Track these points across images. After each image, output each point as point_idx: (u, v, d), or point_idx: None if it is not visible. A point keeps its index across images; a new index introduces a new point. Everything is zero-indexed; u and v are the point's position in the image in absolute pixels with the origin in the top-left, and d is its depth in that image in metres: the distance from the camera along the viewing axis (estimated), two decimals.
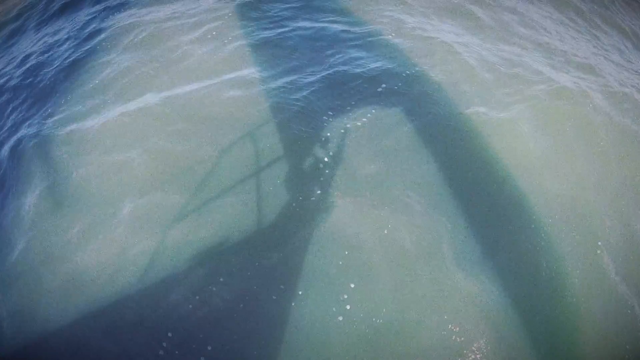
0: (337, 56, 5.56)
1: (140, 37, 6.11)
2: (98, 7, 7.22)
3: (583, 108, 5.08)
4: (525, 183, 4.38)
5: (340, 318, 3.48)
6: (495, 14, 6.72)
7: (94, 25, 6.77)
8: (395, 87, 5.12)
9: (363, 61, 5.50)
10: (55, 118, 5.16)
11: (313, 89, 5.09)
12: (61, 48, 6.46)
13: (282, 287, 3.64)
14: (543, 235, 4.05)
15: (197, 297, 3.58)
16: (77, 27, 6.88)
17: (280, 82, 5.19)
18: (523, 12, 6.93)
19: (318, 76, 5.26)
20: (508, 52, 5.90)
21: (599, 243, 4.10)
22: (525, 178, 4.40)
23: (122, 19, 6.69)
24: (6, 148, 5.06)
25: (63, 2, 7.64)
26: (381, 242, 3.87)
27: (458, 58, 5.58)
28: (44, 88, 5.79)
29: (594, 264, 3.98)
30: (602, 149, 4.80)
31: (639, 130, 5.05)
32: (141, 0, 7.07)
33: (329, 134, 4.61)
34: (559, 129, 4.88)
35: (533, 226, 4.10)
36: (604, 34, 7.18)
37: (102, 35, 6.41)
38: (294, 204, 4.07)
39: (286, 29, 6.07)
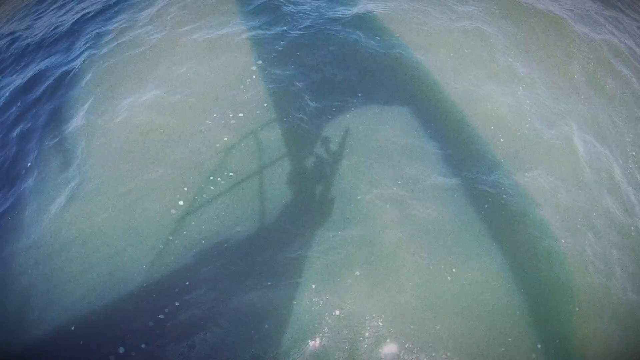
0: (336, 54, 5.50)
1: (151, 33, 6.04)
2: None
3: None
4: None
5: (338, 312, 3.51)
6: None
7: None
8: (397, 85, 5.13)
9: (365, 58, 5.46)
10: (64, 107, 5.18)
11: (316, 86, 5.05)
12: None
13: (281, 284, 3.65)
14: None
15: (199, 295, 3.61)
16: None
17: (282, 78, 5.13)
18: None
19: (321, 74, 5.22)
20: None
21: None
22: None
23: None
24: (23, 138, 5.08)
25: None
26: (380, 240, 3.88)
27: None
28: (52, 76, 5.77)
29: None
30: None
31: None
32: None
33: (330, 132, 4.60)
34: None
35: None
36: None
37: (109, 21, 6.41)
38: (294, 202, 4.08)
39: (290, 25, 5.98)
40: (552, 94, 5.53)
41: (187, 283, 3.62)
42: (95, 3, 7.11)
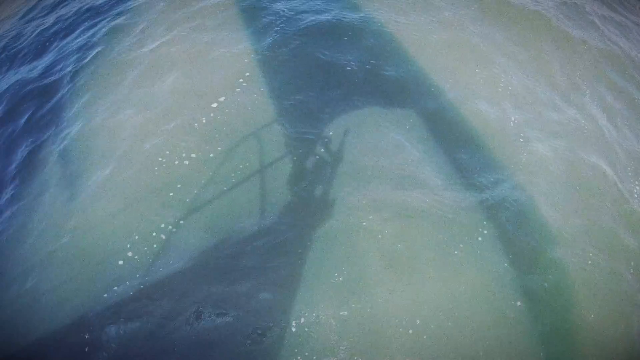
0: (337, 54, 5.48)
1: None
2: None
3: None
4: None
5: (343, 313, 3.55)
6: None
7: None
8: (379, 107, 5.02)
9: (363, 57, 5.42)
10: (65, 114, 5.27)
11: (317, 87, 5.03)
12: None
13: (280, 284, 3.70)
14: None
15: (199, 294, 3.67)
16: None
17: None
18: None
19: (322, 74, 5.21)
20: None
21: None
22: None
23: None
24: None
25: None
26: (381, 242, 3.92)
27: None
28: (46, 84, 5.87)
29: None
30: None
31: None
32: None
33: (330, 133, 4.61)
34: None
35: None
36: None
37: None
38: (294, 204, 4.10)
39: (285, 25, 5.92)
40: (551, 109, 5.28)
41: (122, 319, 3.60)
42: (79, 15, 7.19)
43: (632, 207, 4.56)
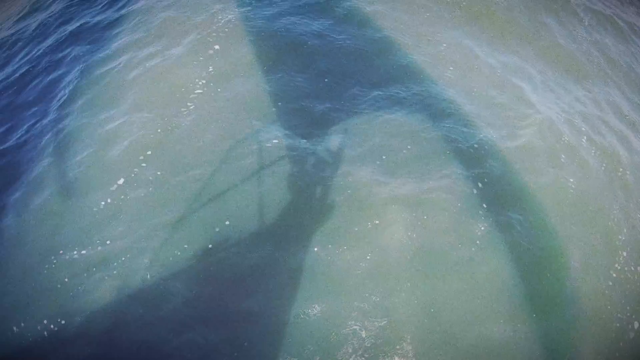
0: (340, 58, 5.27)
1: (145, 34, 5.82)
2: None
3: None
4: None
5: (339, 315, 3.47)
6: None
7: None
8: (397, 89, 4.96)
9: (366, 58, 5.28)
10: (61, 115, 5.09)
11: (318, 88, 4.92)
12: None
13: (280, 283, 3.61)
14: None
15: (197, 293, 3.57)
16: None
17: (282, 80, 4.98)
18: None
19: (323, 76, 5.08)
20: None
21: None
22: None
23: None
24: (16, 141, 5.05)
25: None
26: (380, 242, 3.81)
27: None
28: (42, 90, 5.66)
29: None
30: None
31: None
32: None
33: (330, 134, 4.53)
34: None
35: None
36: None
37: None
38: (294, 204, 4.00)
39: (287, 26, 5.67)
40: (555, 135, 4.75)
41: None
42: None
43: None
